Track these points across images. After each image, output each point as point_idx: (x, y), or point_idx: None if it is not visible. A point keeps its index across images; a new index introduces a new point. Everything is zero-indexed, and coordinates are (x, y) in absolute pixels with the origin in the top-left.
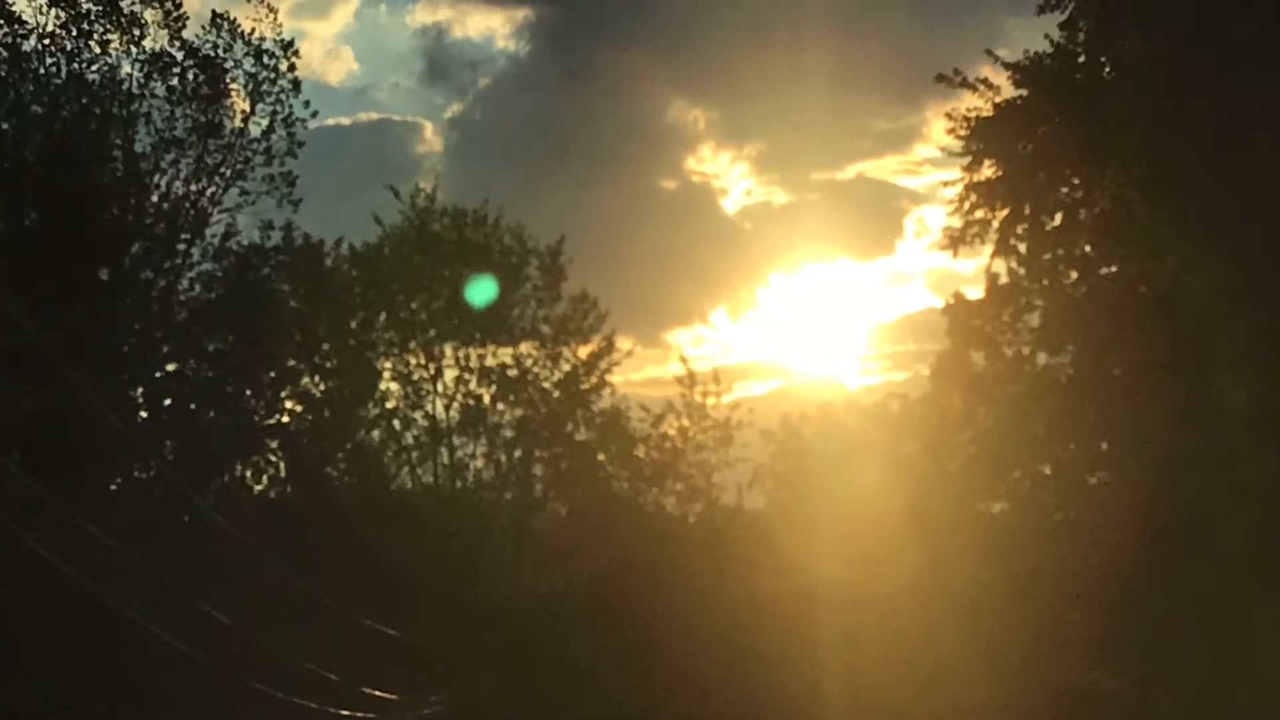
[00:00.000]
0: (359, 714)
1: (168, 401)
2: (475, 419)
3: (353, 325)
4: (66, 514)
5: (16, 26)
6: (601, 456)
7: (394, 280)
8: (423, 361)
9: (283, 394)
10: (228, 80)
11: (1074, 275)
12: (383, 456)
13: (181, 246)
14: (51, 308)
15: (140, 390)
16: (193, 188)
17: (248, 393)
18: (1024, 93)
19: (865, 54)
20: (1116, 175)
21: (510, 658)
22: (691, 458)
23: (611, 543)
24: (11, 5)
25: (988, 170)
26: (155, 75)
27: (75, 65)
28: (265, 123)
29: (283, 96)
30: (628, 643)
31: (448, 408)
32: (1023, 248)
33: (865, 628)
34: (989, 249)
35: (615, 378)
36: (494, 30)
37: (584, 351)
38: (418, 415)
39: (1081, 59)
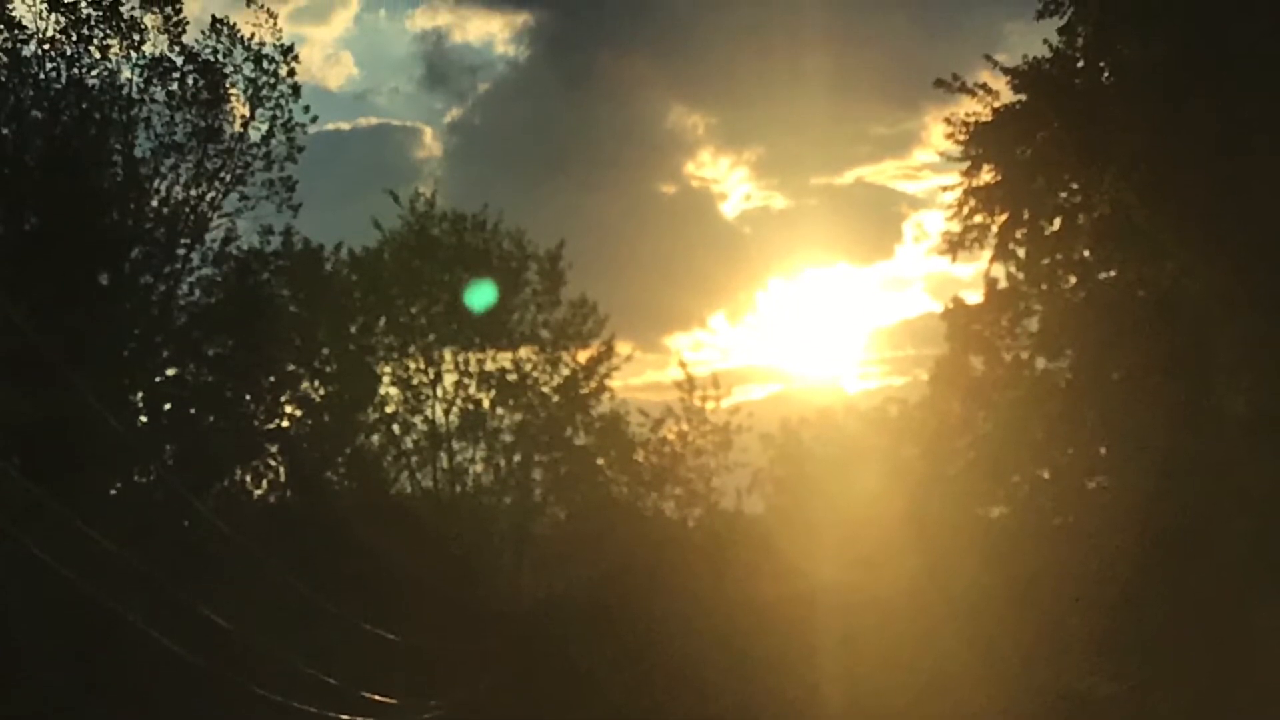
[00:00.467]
0: (359, 718)
1: (167, 406)
2: (475, 423)
3: (352, 330)
4: (66, 518)
5: (16, 31)
6: (601, 461)
7: (393, 285)
8: (422, 366)
9: (282, 399)
10: (227, 85)
11: (1073, 280)
12: (382, 461)
13: (181, 251)
14: (51, 312)
15: (140, 395)
16: (192, 192)
17: (247, 397)
18: (1023, 98)
19: (864, 59)
20: (1115, 180)
21: (510, 661)
22: (690, 462)
23: (611, 547)
24: (11, 10)
25: (986, 175)
26: (155, 80)
27: (75, 70)
28: (265, 128)
29: (282, 101)
30: (627, 647)
31: (447, 412)
32: (1021, 252)
33: (864, 632)
34: (988, 254)
35: (614, 382)
36: (493, 35)
37: (583, 356)
38: (417, 420)
39: (1080, 64)
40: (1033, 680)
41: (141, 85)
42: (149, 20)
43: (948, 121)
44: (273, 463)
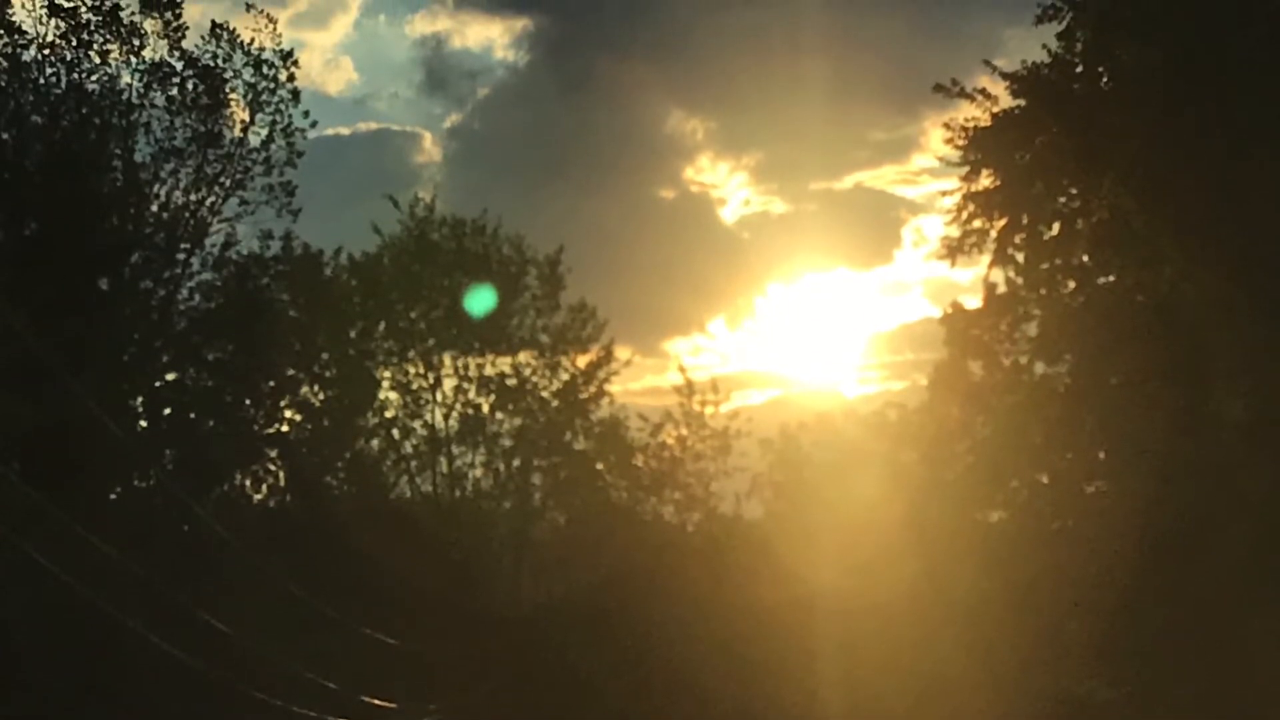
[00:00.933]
0: None
1: (167, 411)
2: (474, 428)
3: (352, 335)
4: (67, 523)
5: (17, 37)
6: (600, 466)
7: (393, 290)
8: (422, 371)
9: (282, 403)
10: (227, 90)
11: (1071, 285)
12: (382, 465)
13: (181, 256)
14: (51, 317)
15: (140, 399)
16: (192, 197)
17: (247, 402)
18: (1022, 103)
19: (863, 64)
20: (1114, 185)
21: (509, 666)
22: (690, 467)
23: (610, 551)
24: (12, 15)
25: (985, 180)
26: (155, 85)
27: (75, 75)
28: (265, 133)
29: (282, 106)
30: (626, 651)
31: (447, 417)
32: (1020, 257)
33: (863, 636)
34: (987, 258)
35: (614, 387)
36: (493, 40)
37: (583, 361)
38: (417, 424)
39: (1079, 69)
40: (1031, 685)
41: (141, 90)
42: (149, 25)
43: (947, 127)
44: (272, 467)
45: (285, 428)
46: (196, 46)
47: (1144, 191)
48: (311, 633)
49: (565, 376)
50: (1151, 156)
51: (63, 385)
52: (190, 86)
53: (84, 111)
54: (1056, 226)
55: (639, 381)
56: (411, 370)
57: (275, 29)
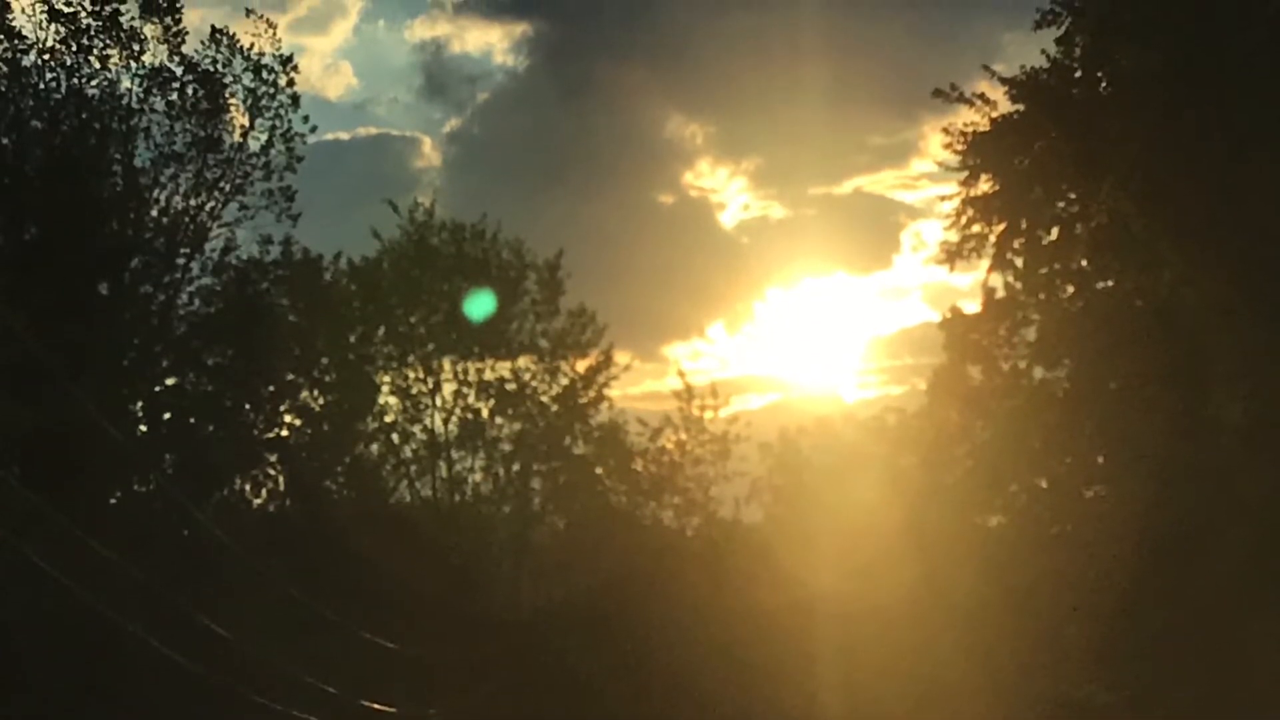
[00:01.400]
0: None
1: (167, 415)
2: (474, 433)
3: (351, 339)
4: (66, 527)
5: (16, 42)
6: (599, 470)
7: (392, 294)
8: (421, 375)
9: (282, 408)
10: (227, 95)
11: (1070, 289)
12: (381, 470)
13: (181, 261)
14: (51, 322)
15: (140, 404)
16: (192, 202)
17: (247, 407)
18: (1021, 108)
19: (863, 69)
20: (1113, 190)
21: (508, 670)
22: (689, 471)
23: (609, 556)
24: (11, 20)
25: (984, 185)
26: (155, 90)
27: (75, 80)
28: (264, 138)
29: (282, 111)
30: (625, 655)
31: (446, 421)
32: (1019, 262)
33: (863, 641)
34: (986, 263)
35: (613, 391)
36: (492, 45)
37: (582, 365)
38: (416, 429)
39: (1078, 74)
40: (1030, 689)
41: (141, 95)
42: (149, 30)
43: (946, 131)
44: (272, 472)
45: (285, 432)
46: (196, 51)
47: (1143, 196)
48: (311, 636)
49: (565, 381)
50: (1151, 161)
51: (63, 389)
52: (190, 91)
53: (84, 116)
54: (1055, 231)
55: (638, 386)
56: (411, 375)
57: (275, 34)
